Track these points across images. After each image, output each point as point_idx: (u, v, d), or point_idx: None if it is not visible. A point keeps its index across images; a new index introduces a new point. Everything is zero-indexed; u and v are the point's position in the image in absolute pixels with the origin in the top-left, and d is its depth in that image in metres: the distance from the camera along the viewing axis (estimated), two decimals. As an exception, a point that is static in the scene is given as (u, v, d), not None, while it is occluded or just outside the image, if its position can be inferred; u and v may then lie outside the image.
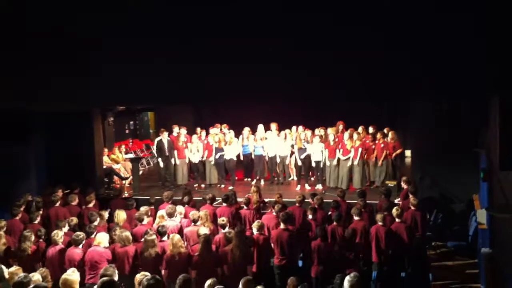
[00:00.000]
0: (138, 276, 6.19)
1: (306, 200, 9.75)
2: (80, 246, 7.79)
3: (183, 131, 13.81)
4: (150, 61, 7.54)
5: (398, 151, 12.67)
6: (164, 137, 13.47)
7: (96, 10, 7.17)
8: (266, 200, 10.48)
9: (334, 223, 8.49)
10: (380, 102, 13.17)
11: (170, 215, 8.92)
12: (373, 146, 12.74)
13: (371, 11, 6.46)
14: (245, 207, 9.58)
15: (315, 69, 7.13)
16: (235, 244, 7.55)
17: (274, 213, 8.98)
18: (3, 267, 6.55)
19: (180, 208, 9.25)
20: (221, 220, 8.48)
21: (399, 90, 7.68)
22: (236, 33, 7.01)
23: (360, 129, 13.20)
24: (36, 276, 6.24)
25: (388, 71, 7.04)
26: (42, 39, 7.60)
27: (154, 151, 14.12)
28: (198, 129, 14.11)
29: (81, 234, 7.90)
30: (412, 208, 9.04)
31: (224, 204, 9.64)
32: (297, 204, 9.42)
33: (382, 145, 12.54)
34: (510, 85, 6.73)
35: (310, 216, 8.98)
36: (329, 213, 9.31)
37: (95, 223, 8.66)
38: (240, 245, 7.54)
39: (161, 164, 13.51)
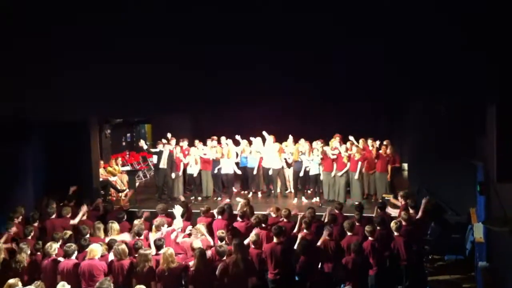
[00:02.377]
0: (135, 289, 6.20)
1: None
2: (73, 257, 7.72)
3: (184, 143, 13.79)
4: (150, 67, 7.55)
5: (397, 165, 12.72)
6: (166, 149, 13.44)
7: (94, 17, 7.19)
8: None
9: (327, 237, 8.42)
10: (379, 102, 13.10)
11: (158, 227, 8.83)
12: (376, 160, 12.75)
13: (371, 12, 6.48)
14: (239, 220, 9.52)
15: (315, 70, 7.14)
16: (239, 257, 7.48)
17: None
18: None
19: (177, 221, 9.18)
20: (220, 232, 8.42)
21: (398, 92, 7.68)
22: (236, 38, 7.03)
23: (361, 142, 13.18)
24: (31, 289, 6.23)
25: (387, 73, 7.05)
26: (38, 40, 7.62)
27: (154, 154, 13.95)
28: (196, 141, 14.07)
29: (72, 245, 7.85)
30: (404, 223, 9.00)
31: (219, 217, 9.56)
32: (284, 220, 9.33)
33: (387, 158, 12.52)
34: (507, 95, 6.75)
35: (304, 230, 8.90)
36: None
37: (87, 236, 8.59)
38: (243, 257, 7.50)
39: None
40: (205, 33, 6.99)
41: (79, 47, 7.50)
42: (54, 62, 7.76)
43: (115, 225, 8.98)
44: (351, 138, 13.12)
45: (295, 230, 8.96)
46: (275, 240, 8.05)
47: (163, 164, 13.40)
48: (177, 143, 13.84)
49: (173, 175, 13.39)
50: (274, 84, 7.44)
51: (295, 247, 8.23)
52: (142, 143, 14.20)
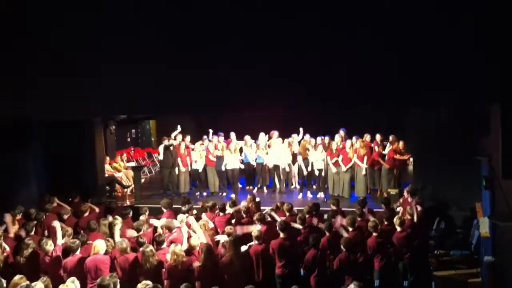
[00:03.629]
0: (139, 286, 6.19)
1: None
2: (77, 252, 7.76)
3: (187, 138, 13.81)
4: (150, 68, 7.54)
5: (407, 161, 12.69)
6: (170, 144, 13.47)
7: (93, 20, 7.20)
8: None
9: (327, 233, 8.42)
10: (380, 106, 13.09)
11: (169, 228, 8.73)
12: (384, 153, 12.74)
13: (371, 13, 6.47)
14: (244, 216, 9.53)
15: (314, 70, 7.14)
16: (234, 253, 7.52)
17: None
18: (2, 279, 6.55)
19: (181, 217, 9.21)
20: (229, 228, 8.43)
21: (400, 95, 7.66)
22: (236, 39, 7.03)
23: (368, 137, 13.17)
24: (38, 285, 6.26)
25: (389, 76, 7.03)
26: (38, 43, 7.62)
27: (160, 153, 13.94)
28: (205, 137, 14.10)
29: (76, 241, 7.87)
30: (409, 217, 8.98)
31: (221, 214, 9.56)
32: (287, 214, 9.36)
33: (397, 154, 12.49)
34: (510, 92, 6.72)
35: (300, 226, 8.92)
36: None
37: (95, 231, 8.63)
38: (238, 253, 7.52)
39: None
40: (206, 33, 7.00)
41: (79, 48, 7.51)
42: (55, 62, 7.78)
43: (117, 221, 8.97)
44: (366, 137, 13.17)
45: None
46: (281, 235, 8.07)
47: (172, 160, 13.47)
48: (182, 139, 13.85)
49: (176, 171, 13.43)
50: (274, 84, 7.43)
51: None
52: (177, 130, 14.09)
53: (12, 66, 7.99)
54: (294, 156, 13.46)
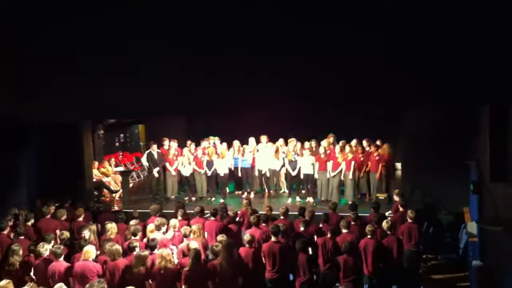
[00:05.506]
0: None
1: (291, 212, 9.78)
2: (61, 258, 7.67)
3: (174, 144, 13.74)
4: (150, 69, 7.52)
5: (384, 163, 12.65)
6: (154, 149, 13.40)
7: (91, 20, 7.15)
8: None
9: (329, 235, 8.43)
10: (374, 109, 13.11)
11: (158, 227, 8.78)
12: (362, 158, 12.72)
13: (370, 14, 6.49)
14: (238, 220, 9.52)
15: (313, 75, 7.13)
16: (223, 256, 7.50)
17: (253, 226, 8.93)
18: None
19: (173, 222, 9.17)
20: (221, 235, 8.41)
21: (392, 98, 7.69)
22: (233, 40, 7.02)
23: (354, 142, 13.16)
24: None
25: (388, 76, 7.04)
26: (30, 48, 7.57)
27: (144, 163, 13.94)
28: (189, 142, 14.04)
29: (60, 247, 7.81)
30: (409, 220, 9.02)
31: (212, 218, 9.54)
32: (281, 217, 9.38)
33: (377, 158, 12.48)
34: (500, 96, 6.76)
35: (302, 229, 8.93)
36: (320, 225, 9.25)
37: (87, 236, 8.56)
38: (227, 257, 7.50)
39: (156, 175, 13.41)
40: (202, 35, 6.97)
41: (75, 48, 7.46)
42: (48, 63, 7.72)
43: (113, 225, 8.92)
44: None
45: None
46: (272, 239, 8.07)
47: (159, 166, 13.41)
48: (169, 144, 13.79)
49: (155, 172, 13.39)
50: (271, 86, 7.42)
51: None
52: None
53: (6, 68, 7.93)
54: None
